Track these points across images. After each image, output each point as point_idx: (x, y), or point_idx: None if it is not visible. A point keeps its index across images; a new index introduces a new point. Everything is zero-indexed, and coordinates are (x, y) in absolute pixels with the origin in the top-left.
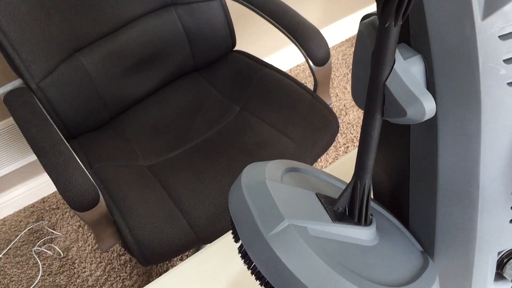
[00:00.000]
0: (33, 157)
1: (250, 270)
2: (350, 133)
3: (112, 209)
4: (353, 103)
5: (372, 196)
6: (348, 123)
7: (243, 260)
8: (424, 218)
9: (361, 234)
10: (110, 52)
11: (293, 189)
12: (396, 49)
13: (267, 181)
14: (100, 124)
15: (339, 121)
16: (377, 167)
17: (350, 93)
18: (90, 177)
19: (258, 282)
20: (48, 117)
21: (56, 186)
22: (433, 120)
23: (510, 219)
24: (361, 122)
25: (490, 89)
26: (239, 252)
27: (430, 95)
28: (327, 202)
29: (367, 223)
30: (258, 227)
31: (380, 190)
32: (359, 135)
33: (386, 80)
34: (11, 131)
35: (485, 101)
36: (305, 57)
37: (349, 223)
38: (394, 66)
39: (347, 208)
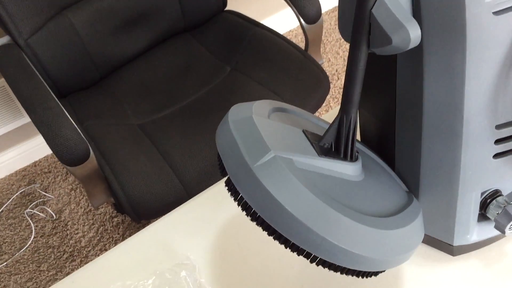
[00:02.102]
0: (23, 121)
1: (237, 202)
2: None
3: (103, 165)
4: (345, 68)
5: (358, 138)
6: (340, 87)
7: (229, 192)
8: (409, 158)
9: (346, 169)
10: (99, 10)
11: (279, 125)
12: None
13: (254, 116)
14: (90, 84)
15: (331, 85)
16: (364, 109)
17: (342, 57)
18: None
19: (244, 213)
20: (38, 74)
21: (46, 140)
22: (419, 52)
23: (493, 154)
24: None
25: (475, 18)
26: (226, 185)
27: (415, 21)
28: (314, 138)
29: (353, 159)
30: (244, 159)
31: (367, 133)
32: None
33: (372, 8)
34: (0, 93)
35: (470, 30)
36: (296, 15)
37: (335, 158)
38: None
39: (333, 144)
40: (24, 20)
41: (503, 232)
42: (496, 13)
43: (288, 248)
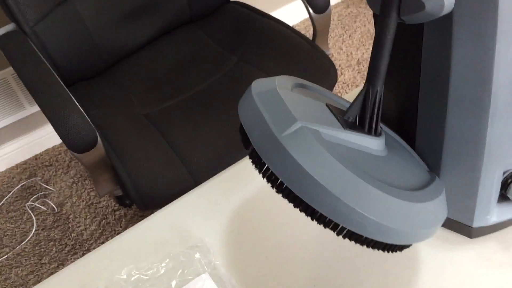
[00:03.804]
0: (24, 113)
1: (262, 174)
2: (346, 92)
3: (110, 153)
4: (349, 63)
5: None
6: (343, 82)
7: (254, 165)
8: (432, 134)
9: (371, 143)
10: None
11: (303, 98)
12: None
13: (278, 89)
14: (95, 73)
15: None
16: (385, 86)
17: (345, 53)
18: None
19: (270, 184)
20: (45, 61)
21: (53, 126)
22: (448, 21)
23: None
24: (375, 28)
25: None
26: (250, 158)
27: None
28: (338, 112)
29: (377, 133)
30: (270, 129)
31: (386, 111)
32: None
33: None
34: (2, 85)
35: None
36: (305, 4)
37: (360, 131)
38: None
39: (357, 118)
40: (31, 7)
41: None
42: None
43: (314, 220)
